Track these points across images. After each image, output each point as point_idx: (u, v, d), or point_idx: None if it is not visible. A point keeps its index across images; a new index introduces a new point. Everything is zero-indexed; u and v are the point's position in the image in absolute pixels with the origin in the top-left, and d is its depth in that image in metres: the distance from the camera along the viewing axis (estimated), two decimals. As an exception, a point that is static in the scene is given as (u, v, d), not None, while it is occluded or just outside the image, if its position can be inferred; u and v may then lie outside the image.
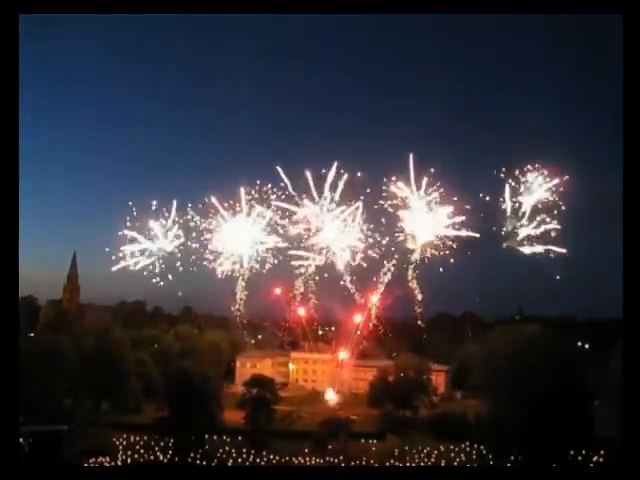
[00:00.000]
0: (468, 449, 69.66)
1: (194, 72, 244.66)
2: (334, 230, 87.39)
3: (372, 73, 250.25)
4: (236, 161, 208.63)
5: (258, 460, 68.85)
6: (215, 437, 72.34)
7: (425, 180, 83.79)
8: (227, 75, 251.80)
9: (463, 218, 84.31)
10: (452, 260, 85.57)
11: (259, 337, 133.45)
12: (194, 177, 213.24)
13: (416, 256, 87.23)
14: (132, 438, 71.32)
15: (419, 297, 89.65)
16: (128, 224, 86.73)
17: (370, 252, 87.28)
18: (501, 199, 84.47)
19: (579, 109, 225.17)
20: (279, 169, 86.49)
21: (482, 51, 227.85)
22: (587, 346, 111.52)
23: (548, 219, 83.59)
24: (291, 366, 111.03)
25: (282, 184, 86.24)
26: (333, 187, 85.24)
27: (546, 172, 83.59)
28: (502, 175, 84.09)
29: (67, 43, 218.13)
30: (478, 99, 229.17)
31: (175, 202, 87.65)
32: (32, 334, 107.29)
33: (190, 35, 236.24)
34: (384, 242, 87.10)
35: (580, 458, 64.11)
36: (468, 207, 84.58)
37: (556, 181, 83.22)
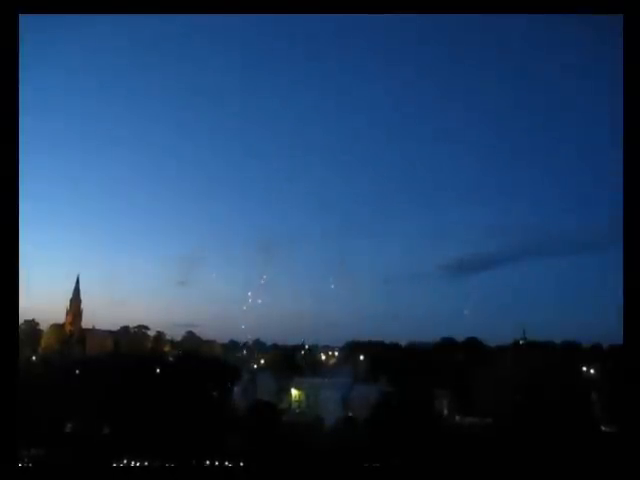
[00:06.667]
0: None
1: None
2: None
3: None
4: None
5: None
6: (216, 463, 71.56)
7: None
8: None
9: None
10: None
11: (262, 362, 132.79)
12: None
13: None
14: (132, 463, 70.70)
15: None
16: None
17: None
18: None
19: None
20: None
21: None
22: (592, 371, 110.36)
23: None
24: (293, 391, 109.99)
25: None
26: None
27: None
28: None
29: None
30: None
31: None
32: (34, 358, 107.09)
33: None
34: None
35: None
36: None
37: None
